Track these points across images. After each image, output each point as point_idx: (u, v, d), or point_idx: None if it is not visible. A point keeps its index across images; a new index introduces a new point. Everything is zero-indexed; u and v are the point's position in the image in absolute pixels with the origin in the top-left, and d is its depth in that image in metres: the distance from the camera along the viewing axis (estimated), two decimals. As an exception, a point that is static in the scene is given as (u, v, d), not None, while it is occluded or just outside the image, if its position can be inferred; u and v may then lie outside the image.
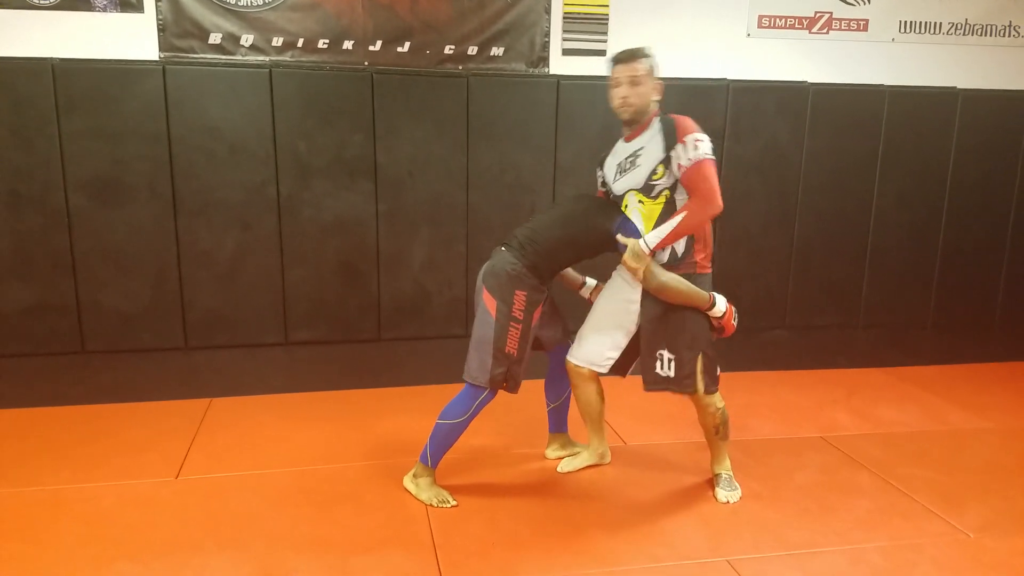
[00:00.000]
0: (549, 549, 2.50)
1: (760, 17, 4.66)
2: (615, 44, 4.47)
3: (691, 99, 4.48)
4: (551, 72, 4.45)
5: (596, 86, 4.41)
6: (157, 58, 4.09)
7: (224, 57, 4.13)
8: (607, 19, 4.46)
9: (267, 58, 4.16)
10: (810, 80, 4.67)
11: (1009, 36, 4.95)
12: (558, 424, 3.16)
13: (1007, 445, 3.44)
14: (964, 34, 4.90)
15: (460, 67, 4.34)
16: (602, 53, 4.47)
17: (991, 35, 4.94)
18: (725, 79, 4.56)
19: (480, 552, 2.48)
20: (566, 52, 4.47)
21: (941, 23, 4.84)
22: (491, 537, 2.57)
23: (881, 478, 3.06)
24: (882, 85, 4.76)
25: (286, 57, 4.18)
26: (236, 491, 2.88)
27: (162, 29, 4.07)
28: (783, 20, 4.69)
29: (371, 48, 4.24)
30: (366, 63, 4.24)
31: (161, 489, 2.85)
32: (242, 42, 4.13)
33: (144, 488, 2.85)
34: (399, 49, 4.27)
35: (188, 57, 4.11)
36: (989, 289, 5.14)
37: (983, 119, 4.85)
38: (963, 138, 4.85)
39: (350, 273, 4.36)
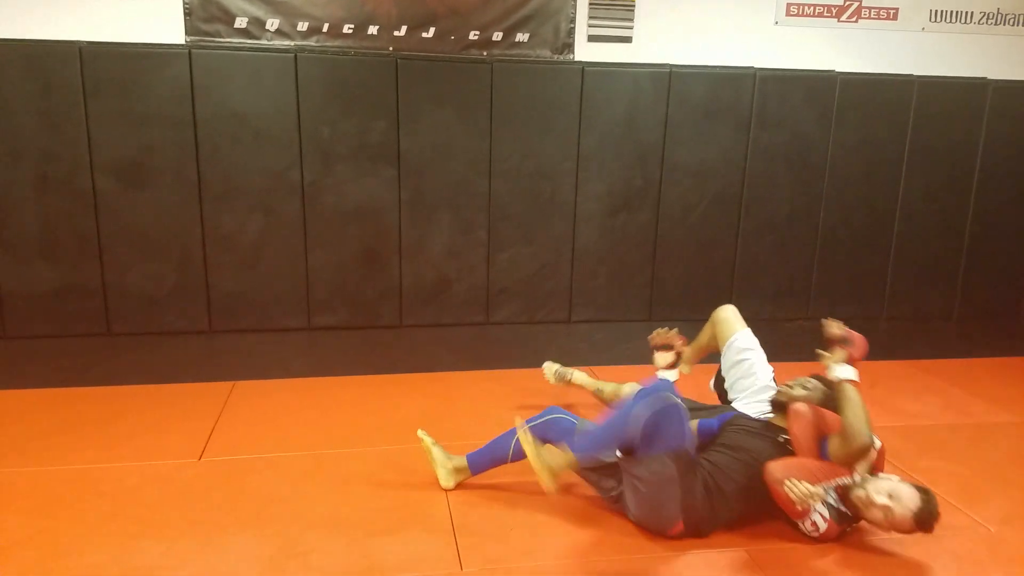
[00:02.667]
0: (567, 533, 2.51)
1: (788, 5, 4.60)
2: (641, 31, 4.43)
3: (718, 87, 4.44)
4: (576, 59, 4.43)
5: (621, 73, 4.38)
6: (183, 42, 4.12)
7: (250, 41, 4.15)
8: (633, 6, 4.43)
9: (292, 43, 4.17)
10: (838, 69, 4.61)
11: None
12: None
13: (1030, 440, 3.40)
14: (996, 24, 4.80)
15: (484, 53, 4.33)
16: (628, 40, 4.44)
17: (1023, 24, 4.84)
18: (752, 68, 4.52)
19: (498, 535, 2.49)
20: (591, 39, 4.44)
21: (972, 12, 4.75)
22: (509, 521, 2.58)
23: (902, 470, 3.03)
24: (911, 75, 4.68)
25: (311, 42, 4.19)
26: (258, 472, 2.91)
27: (188, 13, 4.09)
28: (811, 8, 4.63)
29: (396, 33, 4.24)
30: (391, 48, 4.24)
31: (184, 470, 2.89)
32: (267, 26, 4.14)
33: (168, 469, 2.89)
34: (424, 35, 4.26)
35: (214, 41, 4.13)
36: (1015, 282, 5.06)
37: (1014, 110, 4.76)
38: (992, 129, 4.77)
39: (372, 259, 4.38)
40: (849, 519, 2.47)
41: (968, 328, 4.97)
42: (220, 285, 4.29)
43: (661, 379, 2.77)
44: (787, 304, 4.81)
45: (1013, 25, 4.82)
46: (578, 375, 3.49)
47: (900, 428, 3.47)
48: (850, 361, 2.46)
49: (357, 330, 4.42)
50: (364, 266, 4.38)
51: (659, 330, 3.02)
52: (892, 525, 2.34)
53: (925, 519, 2.29)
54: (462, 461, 2.74)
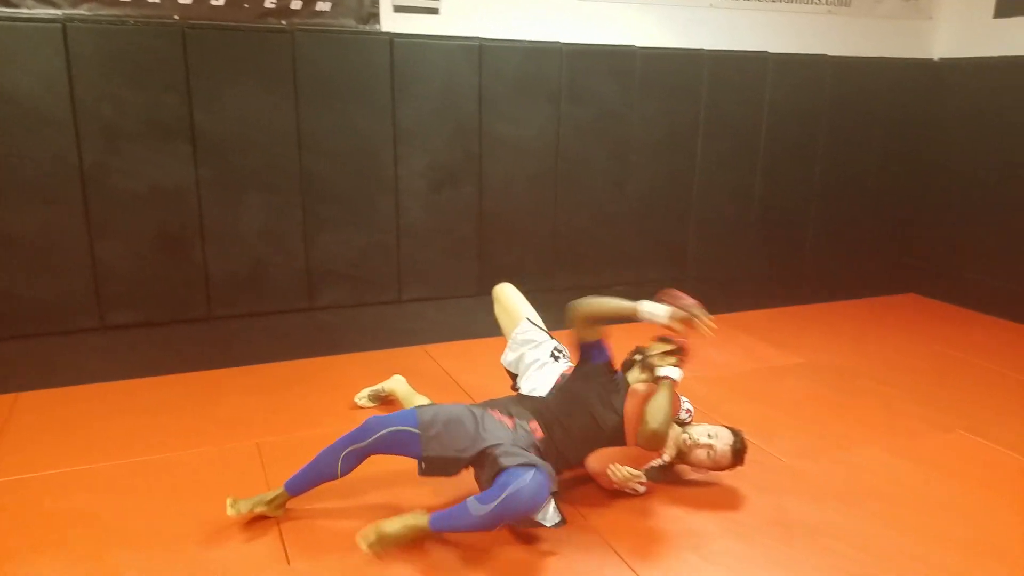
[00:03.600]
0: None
1: (589, -20, 4.72)
2: (448, 3, 4.38)
3: (528, 62, 4.50)
4: (383, 30, 4.30)
5: (432, 46, 4.31)
6: (-78, 8, 3.55)
7: (7, 10, 3.65)
8: (437, -24, 4.36)
9: (60, 11, 3.72)
10: (638, 44, 4.81)
11: (812, 3, 5.33)
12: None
13: (816, 378, 3.80)
14: (775, 0, 5.22)
15: (284, 22, 4.09)
16: (435, 11, 4.37)
17: (797, 1, 5.30)
18: (559, 42, 4.61)
19: (325, 529, 2.41)
20: (397, 9, 4.32)
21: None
22: (335, 513, 2.50)
23: (706, 416, 3.28)
24: (702, 49, 4.99)
25: (82, 11, 3.75)
26: (56, 490, 2.62)
27: (-75, -26, 3.52)
28: (611, -17, 4.78)
29: (181, 0, 3.90)
30: (176, 17, 3.89)
31: (-41, 497, 2.55)
32: (27, -8, 3.66)
33: (-61, 497, 2.53)
34: (213, 2, 3.95)
35: (-39, 7, 3.59)
36: (799, 238, 5.60)
37: (791, 81, 5.22)
38: (774, 99, 5.20)
39: (171, 246, 4.03)
40: (665, 468, 2.66)
41: (762, 283, 5.45)
42: (-3, 287, 3.78)
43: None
44: (605, 272, 5.01)
45: (789, 2, 5.26)
46: (390, 384, 3.36)
47: (708, 378, 3.75)
48: (678, 364, 2.58)
49: (160, 326, 4.07)
50: (162, 254, 4.02)
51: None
52: (714, 462, 2.57)
53: (740, 452, 2.57)
54: (275, 493, 2.44)
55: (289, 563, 2.22)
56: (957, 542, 2.38)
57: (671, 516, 2.49)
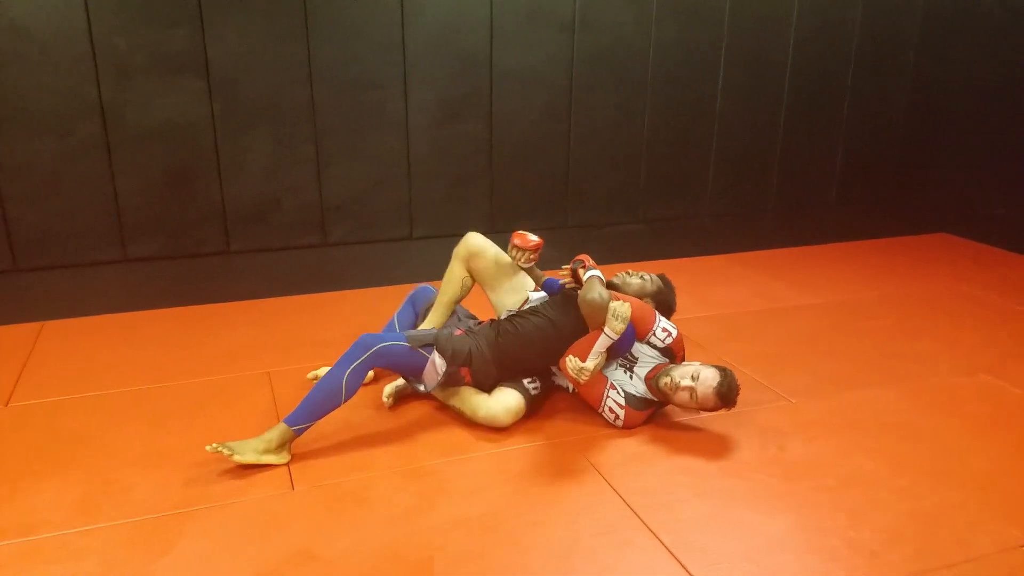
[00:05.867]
0: (397, 441, 2.54)
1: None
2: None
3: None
4: (393, -41, 4.21)
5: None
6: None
7: (18, -60, 3.63)
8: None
9: (70, -59, 3.70)
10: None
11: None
12: None
13: (826, 317, 3.76)
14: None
15: (294, -47, 4.02)
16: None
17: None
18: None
19: (327, 452, 2.48)
20: (409, -62, 4.22)
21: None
22: (337, 438, 2.57)
23: (714, 355, 3.27)
24: (725, -27, 4.81)
25: (92, -60, 3.73)
26: (71, 413, 2.74)
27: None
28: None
29: (190, -70, 3.85)
30: (187, -53, 3.85)
31: (-15, 419, 2.67)
32: (36, -79, 3.63)
33: (-36, 419, 2.66)
34: (223, -68, 3.89)
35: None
36: (825, 175, 5.47)
37: (818, 7, 5.01)
38: (800, 28, 5.01)
39: (188, 180, 4.09)
40: (653, 403, 2.68)
41: (784, 219, 5.36)
42: (22, 218, 3.87)
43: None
44: (617, 209, 4.97)
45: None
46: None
47: (710, 317, 3.73)
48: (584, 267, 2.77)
49: (178, 259, 4.15)
50: (180, 189, 4.08)
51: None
52: (699, 404, 2.55)
53: (726, 394, 2.51)
54: (277, 431, 2.40)
55: (293, 488, 2.29)
56: (961, 483, 2.36)
57: (668, 455, 2.51)
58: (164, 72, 3.90)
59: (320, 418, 2.43)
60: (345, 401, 2.43)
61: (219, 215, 4.18)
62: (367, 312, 3.64)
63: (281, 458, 2.39)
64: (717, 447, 2.56)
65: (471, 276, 2.93)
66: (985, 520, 2.17)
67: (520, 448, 2.53)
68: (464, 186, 4.60)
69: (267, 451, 2.37)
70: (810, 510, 2.21)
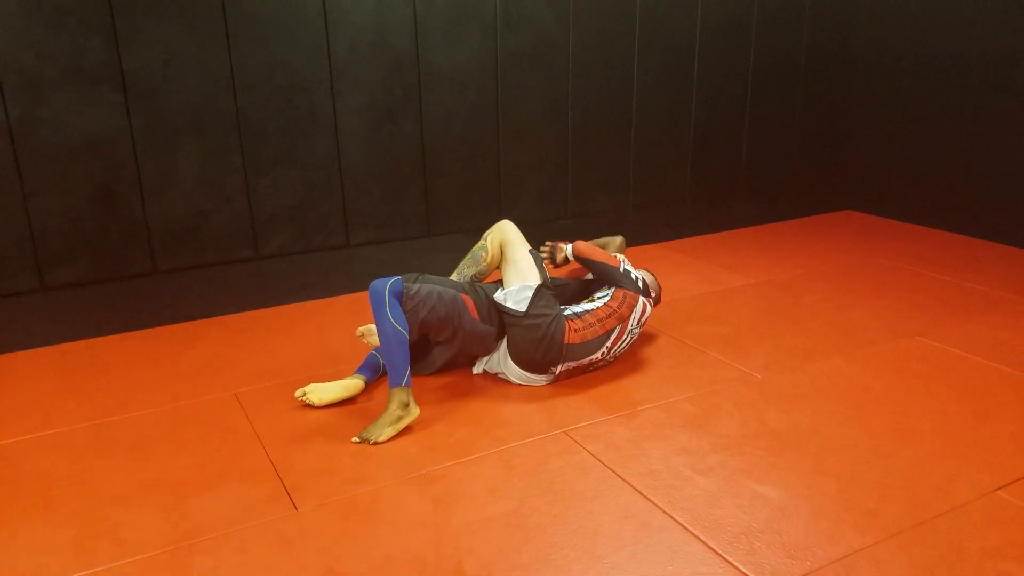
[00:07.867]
0: (399, 448, 2.49)
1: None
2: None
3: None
4: (313, -39, 4.09)
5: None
6: None
7: None
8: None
9: (-43, -57, 3.38)
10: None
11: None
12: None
13: (769, 296, 3.96)
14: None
15: (209, -45, 3.83)
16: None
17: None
18: (492, -32, 4.49)
19: (326, 468, 2.40)
20: (328, -62, 4.11)
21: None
22: (333, 452, 2.49)
23: (676, 339, 3.39)
24: (634, -32, 4.95)
25: (-16, -58, 3.42)
26: (31, 454, 2.52)
27: None
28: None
29: (97, -69, 3.59)
30: (93, -50, 3.59)
31: (-78, 472, 2.41)
32: (-83, -78, 3.29)
33: (-102, 475, 2.39)
34: (133, -67, 3.66)
35: None
36: (733, 161, 5.74)
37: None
38: (706, 12, 5.21)
39: (109, 199, 3.82)
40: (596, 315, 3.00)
41: (701, 206, 5.59)
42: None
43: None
44: (548, 205, 5.03)
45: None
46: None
47: (667, 301, 3.86)
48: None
49: (104, 283, 3.88)
50: (100, 209, 3.80)
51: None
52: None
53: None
54: (395, 397, 2.58)
55: (297, 508, 2.21)
56: (927, 437, 2.56)
57: (659, 438, 2.57)
58: (79, 86, 3.63)
59: (409, 359, 2.60)
60: (409, 333, 2.61)
61: (143, 234, 3.93)
62: (304, 323, 3.54)
63: (413, 413, 2.58)
64: (702, 425, 2.65)
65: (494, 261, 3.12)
66: (958, 470, 2.36)
67: (522, 444, 2.53)
68: (398, 189, 4.53)
69: (400, 418, 2.55)
70: (802, 478, 2.33)
